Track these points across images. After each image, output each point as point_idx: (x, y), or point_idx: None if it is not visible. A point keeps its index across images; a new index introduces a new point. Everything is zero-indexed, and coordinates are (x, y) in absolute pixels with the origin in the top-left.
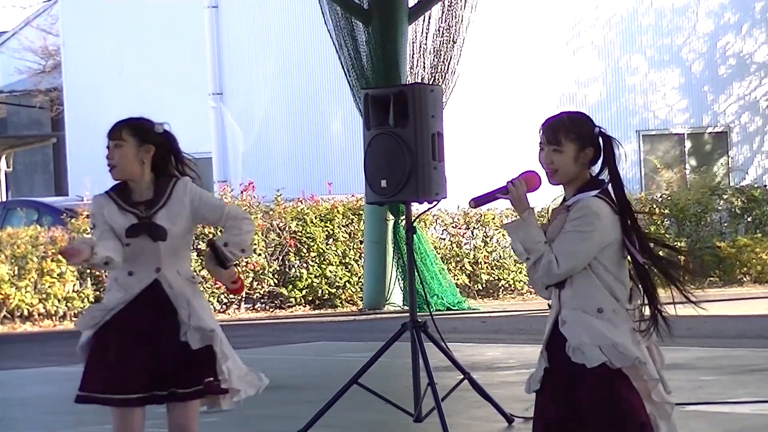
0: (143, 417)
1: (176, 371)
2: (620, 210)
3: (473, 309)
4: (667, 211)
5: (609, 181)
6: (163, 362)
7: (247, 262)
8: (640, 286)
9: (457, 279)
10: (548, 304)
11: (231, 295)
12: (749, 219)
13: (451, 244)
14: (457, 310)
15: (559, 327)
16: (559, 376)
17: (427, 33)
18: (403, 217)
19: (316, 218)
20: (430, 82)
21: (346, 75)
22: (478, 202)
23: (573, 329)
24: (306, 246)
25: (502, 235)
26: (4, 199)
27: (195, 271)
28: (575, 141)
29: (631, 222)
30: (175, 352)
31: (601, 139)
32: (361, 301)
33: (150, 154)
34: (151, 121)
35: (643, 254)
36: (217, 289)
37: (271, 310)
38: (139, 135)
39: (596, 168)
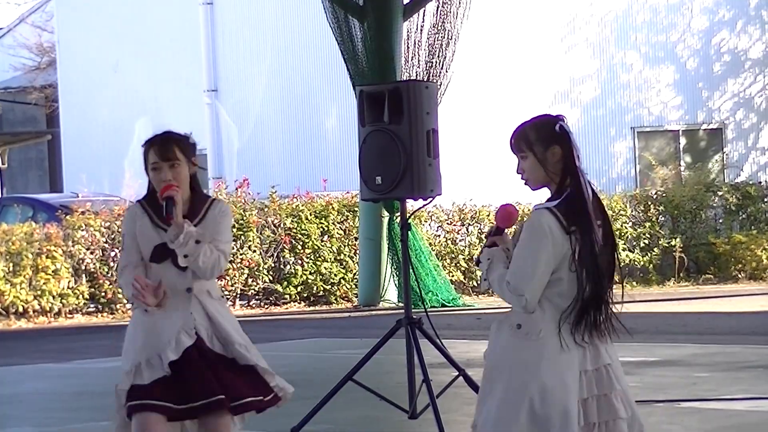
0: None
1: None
2: (578, 211)
3: (468, 305)
4: (662, 207)
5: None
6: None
7: (242, 259)
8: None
9: (452, 275)
10: None
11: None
12: (744, 216)
13: (445, 241)
14: (451, 306)
15: None
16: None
17: (422, 30)
18: (398, 213)
19: (311, 215)
20: (425, 79)
21: (348, 71)
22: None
23: None
24: (301, 243)
25: None
26: None
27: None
28: (535, 144)
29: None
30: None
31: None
32: (356, 297)
33: (194, 169)
34: (186, 134)
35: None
36: None
37: (265, 306)
38: (187, 153)
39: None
